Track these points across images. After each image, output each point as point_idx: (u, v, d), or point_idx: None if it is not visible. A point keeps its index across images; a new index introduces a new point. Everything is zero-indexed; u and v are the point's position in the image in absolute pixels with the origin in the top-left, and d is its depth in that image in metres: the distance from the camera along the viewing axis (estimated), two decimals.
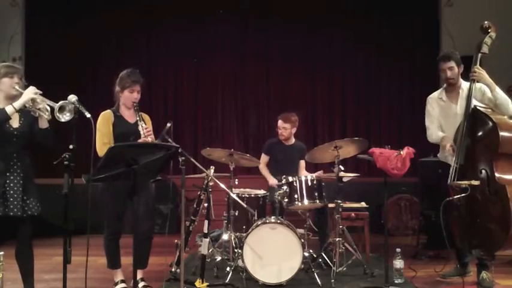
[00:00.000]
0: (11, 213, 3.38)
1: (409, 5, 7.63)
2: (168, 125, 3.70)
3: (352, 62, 7.87)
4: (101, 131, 3.84)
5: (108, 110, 3.97)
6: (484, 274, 4.12)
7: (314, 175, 4.67)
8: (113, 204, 3.87)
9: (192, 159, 3.76)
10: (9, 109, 3.33)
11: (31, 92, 3.34)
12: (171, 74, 7.94)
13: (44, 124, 3.44)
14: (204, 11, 7.78)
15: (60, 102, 3.17)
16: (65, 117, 3.16)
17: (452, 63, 4.20)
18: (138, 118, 3.85)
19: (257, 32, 7.92)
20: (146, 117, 4.06)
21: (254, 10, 7.77)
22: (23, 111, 3.45)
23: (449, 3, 7.54)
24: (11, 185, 3.41)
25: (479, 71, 4.02)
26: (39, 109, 3.37)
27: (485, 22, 4.10)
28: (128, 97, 3.93)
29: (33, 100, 3.35)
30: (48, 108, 3.35)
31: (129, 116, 3.96)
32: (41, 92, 3.37)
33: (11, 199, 3.39)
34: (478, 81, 4.03)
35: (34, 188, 3.57)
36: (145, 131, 3.78)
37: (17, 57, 7.50)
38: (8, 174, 3.41)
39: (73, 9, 7.67)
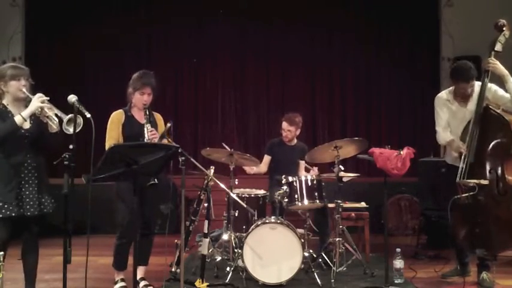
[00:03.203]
0: (28, 213, 3.39)
1: (409, 5, 7.63)
2: (168, 125, 3.70)
3: (352, 62, 7.87)
4: (110, 132, 3.90)
5: (120, 110, 4.00)
6: (484, 274, 4.12)
7: (311, 174, 4.67)
8: (127, 208, 3.85)
9: (192, 159, 3.76)
10: (18, 119, 3.33)
11: (38, 100, 3.33)
12: (171, 74, 7.93)
13: (52, 129, 3.43)
14: (204, 11, 7.78)
15: (69, 116, 3.17)
16: (72, 129, 3.15)
17: (473, 82, 4.07)
18: (145, 121, 3.86)
19: (257, 32, 7.91)
20: (158, 116, 4.11)
21: (254, 10, 7.76)
22: None
23: (449, 3, 7.54)
24: (26, 185, 3.41)
25: (494, 61, 3.97)
26: (47, 117, 3.37)
27: (501, 20, 4.05)
28: (139, 99, 3.94)
29: (41, 108, 3.35)
30: (56, 118, 3.34)
31: (141, 116, 3.97)
32: (48, 99, 3.36)
33: (27, 199, 3.39)
34: (492, 72, 3.96)
35: (47, 186, 3.57)
36: (150, 134, 3.79)
37: (17, 57, 7.50)
38: (22, 175, 3.40)
39: (73, 9, 7.66)
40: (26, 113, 3.34)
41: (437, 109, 4.31)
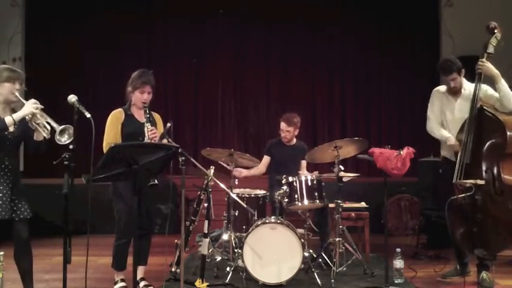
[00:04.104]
0: None
1: (409, 5, 7.64)
2: (168, 125, 3.70)
3: (352, 62, 7.88)
4: (108, 131, 3.90)
5: (120, 109, 4.00)
6: (484, 274, 4.12)
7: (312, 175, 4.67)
8: (124, 208, 3.86)
9: (192, 159, 3.76)
10: (8, 120, 3.31)
11: (32, 106, 3.31)
12: (171, 74, 7.94)
13: (39, 137, 3.41)
14: (205, 11, 7.79)
15: (62, 126, 3.16)
16: (64, 139, 3.14)
17: (454, 75, 4.18)
18: (145, 120, 3.86)
19: (257, 32, 7.92)
20: (157, 116, 4.11)
21: (254, 10, 7.76)
22: None
23: (449, 3, 7.55)
24: (1, 187, 3.37)
25: (483, 62, 4.03)
26: (37, 124, 3.35)
27: (492, 22, 4.11)
28: (138, 98, 3.95)
29: (33, 114, 3.33)
30: (48, 126, 3.32)
31: (140, 115, 3.98)
32: (41, 107, 3.35)
33: (0, 202, 3.35)
34: (484, 73, 4.01)
35: (23, 190, 3.54)
36: (150, 133, 3.79)
37: (17, 57, 7.50)
38: None
39: (73, 9, 7.67)
40: (18, 115, 3.32)
41: (434, 99, 4.43)
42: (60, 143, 3.15)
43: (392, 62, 7.74)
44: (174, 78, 7.96)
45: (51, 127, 3.29)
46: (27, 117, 3.35)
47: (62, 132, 3.16)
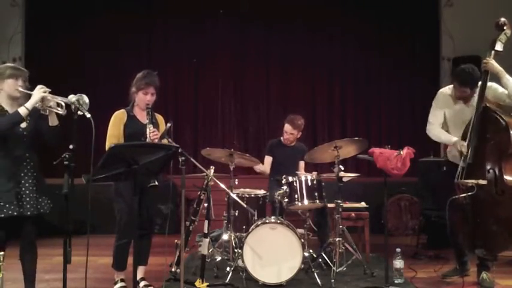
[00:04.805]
0: (28, 213, 3.40)
1: (409, 5, 7.64)
2: (168, 125, 3.70)
3: (352, 62, 7.88)
4: (111, 132, 3.91)
5: (122, 110, 4.01)
6: (484, 274, 4.12)
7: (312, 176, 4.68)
8: (124, 208, 3.87)
9: (192, 159, 3.76)
10: (22, 111, 3.32)
11: (41, 91, 3.34)
12: (171, 74, 7.93)
13: (54, 121, 3.44)
14: (205, 11, 7.79)
15: (75, 98, 3.14)
16: (85, 108, 3.14)
17: (466, 89, 4.09)
18: (147, 121, 3.86)
19: (257, 32, 7.91)
20: (160, 118, 4.13)
21: (254, 10, 7.76)
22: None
23: (449, 3, 7.55)
24: (26, 185, 3.42)
25: (487, 60, 3.97)
26: (49, 107, 3.37)
27: (501, 19, 4.03)
28: (142, 99, 3.95)
29: (43, 98, 3.35)
30: (63, 103, 3.33)
31: (143, 116, 3.98)
32: (49, 90, 3.37)
33: (28, 199, 3.40)
34: (488, 70, 3.95)
35: (45, 185, 3.58)
36: (152, 135, 3.79)
37: (17, 57, 7.51)
38: (22, 174, 3.42)
39: (73, 9, 7.67)
40: (30, 103, 3.33)
41: (438, 104, 4.32)
42: (84, 113, 3.11)
43: (392, 62, 7.73)
44: (174, 78, 7.95)
45: (66, 104, 3.29)
46: (38, 105, 3.36)
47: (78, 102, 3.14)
